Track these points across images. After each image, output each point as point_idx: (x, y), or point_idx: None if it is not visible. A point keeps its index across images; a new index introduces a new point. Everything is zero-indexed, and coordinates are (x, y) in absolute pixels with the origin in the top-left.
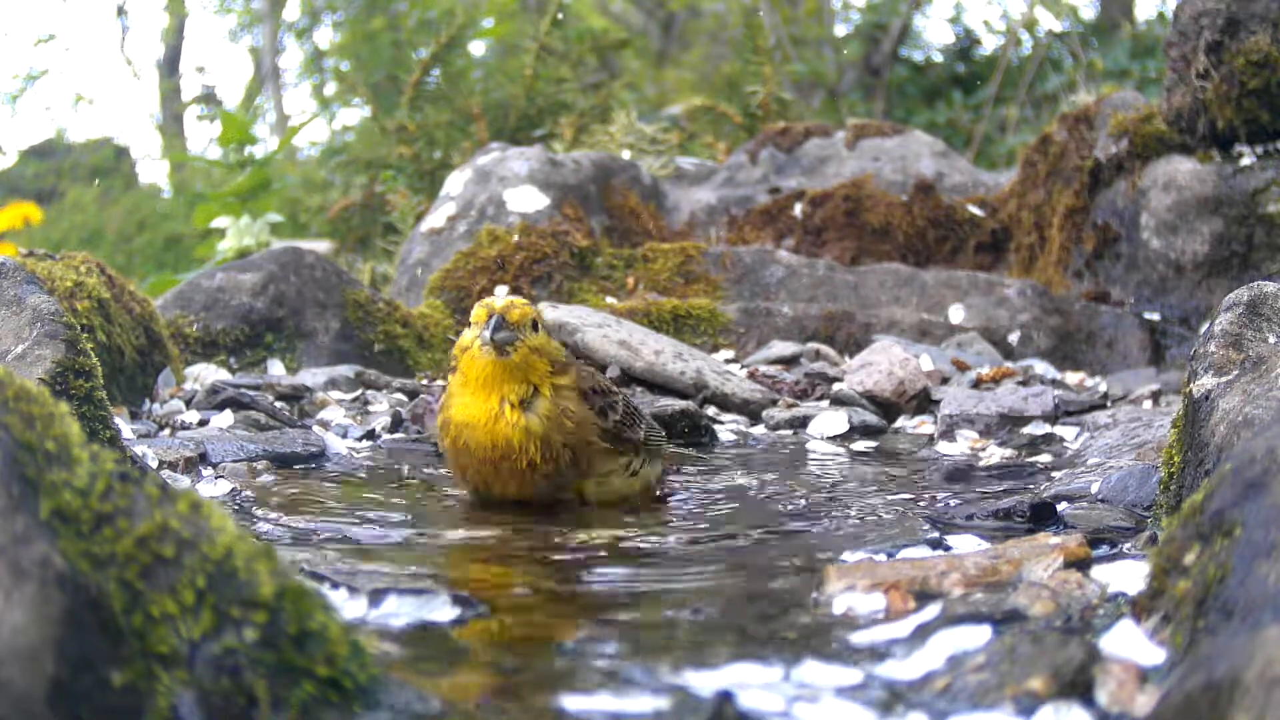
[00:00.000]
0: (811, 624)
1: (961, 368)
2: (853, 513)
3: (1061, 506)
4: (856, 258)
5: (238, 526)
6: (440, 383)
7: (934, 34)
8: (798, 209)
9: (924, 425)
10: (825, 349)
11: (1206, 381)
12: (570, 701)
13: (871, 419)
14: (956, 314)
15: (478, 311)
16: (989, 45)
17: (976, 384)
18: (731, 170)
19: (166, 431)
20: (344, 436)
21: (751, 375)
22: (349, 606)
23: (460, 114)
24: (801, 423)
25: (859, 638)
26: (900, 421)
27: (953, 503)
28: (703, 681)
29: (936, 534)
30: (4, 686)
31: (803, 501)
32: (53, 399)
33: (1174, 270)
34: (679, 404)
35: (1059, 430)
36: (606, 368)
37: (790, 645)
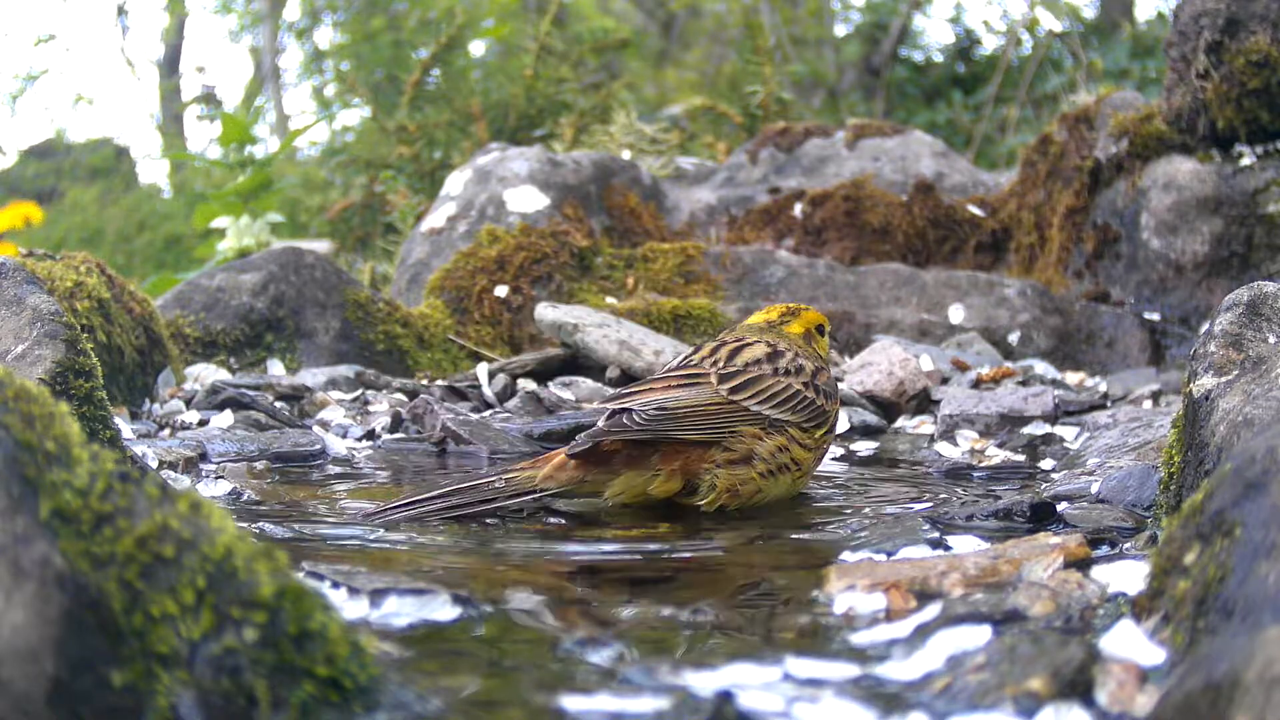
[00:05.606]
0: (811, 624)
1: (961, 368)
2: (853, 513)
3: (1061, 506)
4: (856, 258)
5: (237, 526)
6: (441, 382)
7: (934, 34)
8: (798, 209)
9: (924, 425)
10: None
11: (1206, 381)
12: (570, 701)
13: (871, 419)
14: (956, 314)
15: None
16: (989, 45)
17: (976, 384)
18: (731, 170)
19: (166, 431)
20: (344, 436)
21: None
22: (349, 607)
23: (460, 114)
24: None
25: (859, 638)
26: (900, 422)
27: (953, 503)
28: (703, 681)
29: (936, 534)
30: (4, 686)
31: (803, 501)
32: (53, 399)
33: (1174, 270)
34: None
35: (1059, 430)
36: (606, 368)
37: (790, 645)
